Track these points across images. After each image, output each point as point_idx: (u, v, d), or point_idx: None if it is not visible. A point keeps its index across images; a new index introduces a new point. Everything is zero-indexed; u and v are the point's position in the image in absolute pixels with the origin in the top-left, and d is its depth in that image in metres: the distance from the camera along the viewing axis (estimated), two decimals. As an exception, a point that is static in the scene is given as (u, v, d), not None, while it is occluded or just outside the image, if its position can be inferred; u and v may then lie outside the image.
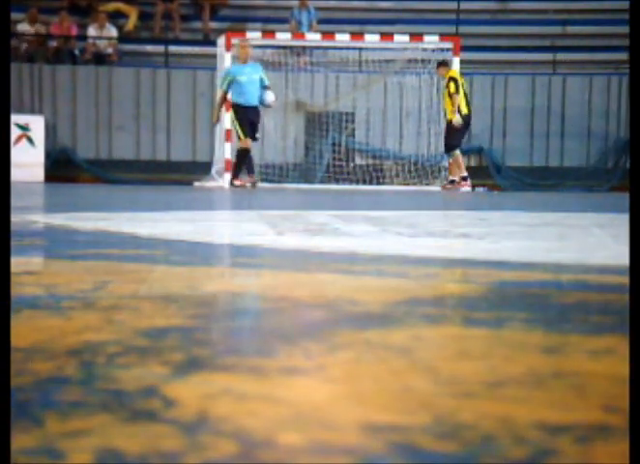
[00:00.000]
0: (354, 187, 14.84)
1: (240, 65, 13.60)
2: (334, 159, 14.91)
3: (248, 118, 13.27)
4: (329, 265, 2.28)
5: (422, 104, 15.99)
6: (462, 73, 14.35)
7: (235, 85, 13.39)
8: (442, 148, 15.10)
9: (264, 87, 13.52)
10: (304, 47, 16.17)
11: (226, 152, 14.29)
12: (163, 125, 16.23)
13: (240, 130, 13.32)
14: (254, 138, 13.47)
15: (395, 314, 1.38)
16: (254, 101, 13.38)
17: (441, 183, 14.92)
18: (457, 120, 13.99)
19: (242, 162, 13.46)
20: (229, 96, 13.46)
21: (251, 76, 13.39)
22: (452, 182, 14.22)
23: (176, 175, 15.69)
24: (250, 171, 13.51)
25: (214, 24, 17.82)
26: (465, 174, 14.12)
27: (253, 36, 14.49)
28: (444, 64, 14.41)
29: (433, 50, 15.01)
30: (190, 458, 0.66)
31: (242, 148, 13.40)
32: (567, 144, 16.52)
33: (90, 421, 0.75)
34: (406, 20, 17.71)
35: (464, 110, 14.08)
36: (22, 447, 0.68)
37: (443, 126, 14.94)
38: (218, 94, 13.69)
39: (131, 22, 17.71)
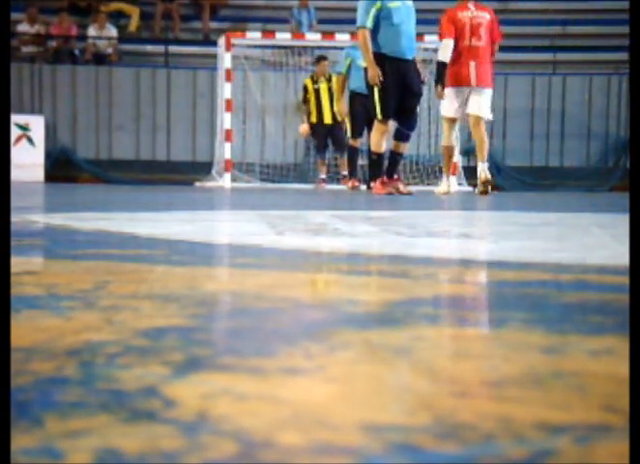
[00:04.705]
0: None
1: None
2: (334, 160, 14.89)
3: (364, 112, 11.67)
4: (329, 265, 2.28)
5: (423, 104, 15.98)
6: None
7: (354, 69, 12.07)
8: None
9: None
10: (304, 47, 16.16)
11: (226, 152, 14.28)
12: (163, 125, 16.23)
13: (349, 126, 12.27)
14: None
15: (395, 314, 1.38)
16: None
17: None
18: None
19: (353, 163, 12.57)
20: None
21: None
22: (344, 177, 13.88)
23: (176, 175, 15.68)
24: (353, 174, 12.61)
25: (214, 24, 17.83)
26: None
27: (253, 36, 14.47)
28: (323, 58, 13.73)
29: (434, 50, 15.01)
30: (190, 458, 0.66)
31: (350, 147, 12.50)
32: (567, 144, 16.52)
33: (90, 421, 0.75)
34: (406, 20, 17.70)
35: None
36: (22, 447, 0.68)
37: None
38: (335, 80, 12.12)
39: (134, 23, 17.71)
